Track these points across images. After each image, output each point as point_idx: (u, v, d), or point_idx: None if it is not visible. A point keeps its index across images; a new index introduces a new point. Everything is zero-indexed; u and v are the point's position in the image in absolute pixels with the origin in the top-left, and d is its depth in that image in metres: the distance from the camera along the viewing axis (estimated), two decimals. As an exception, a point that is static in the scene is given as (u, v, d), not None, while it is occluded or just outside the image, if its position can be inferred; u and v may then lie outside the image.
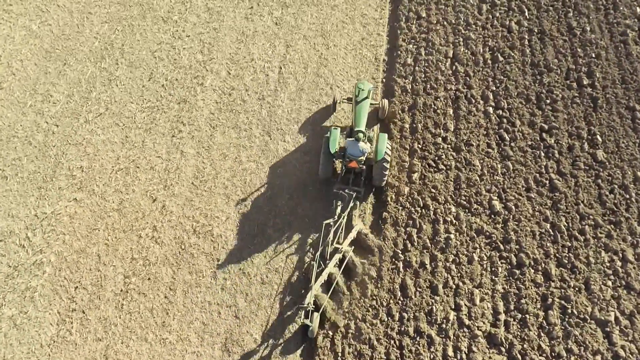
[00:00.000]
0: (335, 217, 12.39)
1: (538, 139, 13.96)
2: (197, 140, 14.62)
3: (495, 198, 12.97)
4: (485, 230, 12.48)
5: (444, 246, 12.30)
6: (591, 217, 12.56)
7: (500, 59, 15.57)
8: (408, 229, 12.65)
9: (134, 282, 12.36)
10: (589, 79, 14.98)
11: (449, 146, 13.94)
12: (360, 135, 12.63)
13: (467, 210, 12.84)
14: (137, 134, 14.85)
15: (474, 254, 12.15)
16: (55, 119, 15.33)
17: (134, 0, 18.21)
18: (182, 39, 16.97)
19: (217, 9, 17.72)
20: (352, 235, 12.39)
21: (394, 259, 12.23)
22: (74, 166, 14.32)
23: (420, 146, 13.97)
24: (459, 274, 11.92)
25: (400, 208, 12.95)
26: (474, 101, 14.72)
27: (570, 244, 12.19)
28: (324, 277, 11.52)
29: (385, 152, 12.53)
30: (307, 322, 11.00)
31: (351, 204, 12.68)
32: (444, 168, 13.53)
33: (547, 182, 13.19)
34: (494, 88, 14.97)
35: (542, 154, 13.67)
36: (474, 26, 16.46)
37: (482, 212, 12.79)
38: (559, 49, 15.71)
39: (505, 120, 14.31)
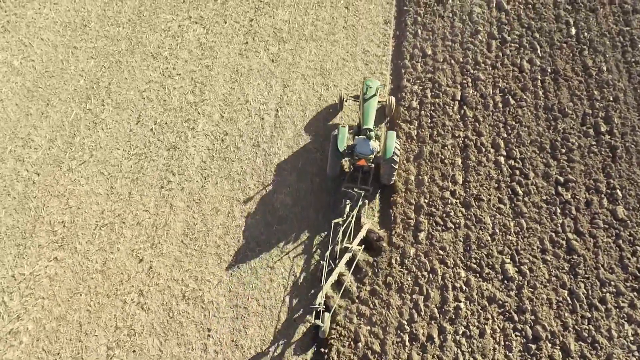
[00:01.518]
0: (345, 215, 12.61)
1: (553, 192, 13.28)
2: (187, 192, 13.94)
3: (509, 261, 12.28)
4: (498, 298, 11.79)
5: (453, 316, 11.61)
6: (612, 283, 11.88)
7: (512, 102, 14.92)
8: (414, 296, 11.95)
9: (118, 355, 11.65)
10: (607, 125, 14.32)
11: (458, 201, 13.26)
12: (371, 133, 12.88)
13: (478, 275, 12.15)
14: (123, 185, 14.16)
15: (485, 326, 11.46)
16: (37, 166, 14.65)
17: (122, 34, 17.56)
18: (172, 77, 16.32)
19: (210, 44, 17.07)
20: (362, 234, 12.55)
21: (399, 331, 11.53)
22: (55, 221, 13.63)
23: (426, 201, 13.29)
24: (469, 349, 11.22)
25: (406, 272, 12.26)
26: (483, 150, 14.06)
27: (590, 315, 11.50)
28: (334, 276, 11.75)
29: (395, 150, 12.66)
30: (318, 322, 11.10)
31: (360, 203, 12.83)
32: (453, 226, 12.85)
33: (564, 242, 12.51)
34: (505, 135, 14.31)
35: (558, 210, 13.00)
36: (482, 65, 15.81)
37: (494, 277, 12.10)
38: (574, 91, 15.06)
39: (517, 172, 13.64)
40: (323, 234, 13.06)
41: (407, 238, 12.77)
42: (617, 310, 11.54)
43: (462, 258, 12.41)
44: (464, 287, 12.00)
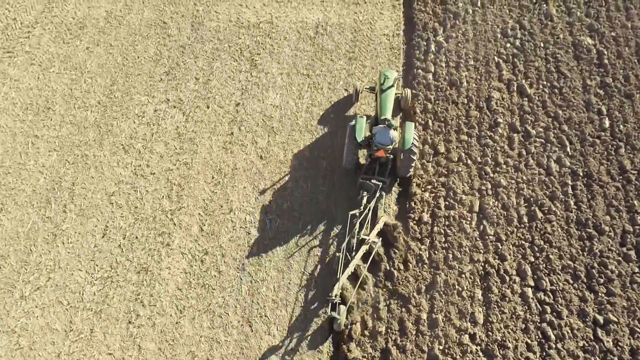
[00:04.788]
0: (361, 207, 12.93)
1: (591, 337, 11.73)
2: (159, 330, 12.38)
3: None
4: None
5: None
6: None
7: (539, 215, 13.41)
8: None
9: None
10: (652, 247, 12.81)
11: (479, 348, 11.70)
12: (392, 123, 13.14)
13: None
14: (84, 319, 12.60)
15: None
16: (-16, 292, 13.11)
17: (90, 120, 16.09)
18: (145, 177, 14.80)
19: (190, 134, 15.58)
20: (379, 226, 12.89)
21: None
22: (3, 366, 12.08)
23: (441, 348, 11.73)
24: None
25: None
26: (507, 279, 12.53)
27: None
28: (350, 268, 12.02)
29: (413, 140, 12.92)
30: (334, 314, 11.40)
31: (377, 194, 13.16)
32: (474, 384, 11.28)
33: (607, 406, 10.94)
34: (533, 259, 12.79)
35: (599, 362, 11.43)
36: (504, 166, 14.31)
37: None
38: (611, 201, 13.57)
39: (548, 309, 12.10)
40: (339, 226, 13.47)
41: (419, 399, 11.20)
42: None
43: None
44: None
